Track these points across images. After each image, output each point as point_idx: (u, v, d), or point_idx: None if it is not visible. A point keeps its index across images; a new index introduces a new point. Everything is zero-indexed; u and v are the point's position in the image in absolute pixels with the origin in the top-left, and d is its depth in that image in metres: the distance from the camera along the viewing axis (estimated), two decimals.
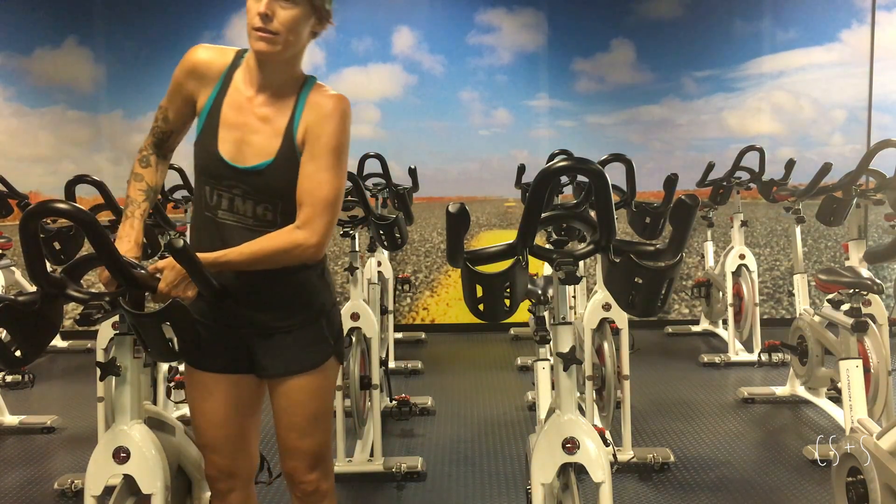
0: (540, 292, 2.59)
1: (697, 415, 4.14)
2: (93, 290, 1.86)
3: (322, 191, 1.82)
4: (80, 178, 3.77)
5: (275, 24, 1.78)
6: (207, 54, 1.92)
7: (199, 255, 1.77)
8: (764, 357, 4.29)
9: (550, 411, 2.11)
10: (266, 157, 1.84)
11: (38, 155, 6.17)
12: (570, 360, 1.98)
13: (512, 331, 5.90)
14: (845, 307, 3.19)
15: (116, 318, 2.00)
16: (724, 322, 5.31)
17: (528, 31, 6.12)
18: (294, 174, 1.84)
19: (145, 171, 2.01)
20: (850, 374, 3.03)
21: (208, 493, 2.41)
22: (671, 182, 3.38)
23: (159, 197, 4.61)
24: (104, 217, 3.72)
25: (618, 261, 1.84)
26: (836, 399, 3.90)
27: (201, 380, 1.98)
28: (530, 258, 1.90)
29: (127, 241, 1.91)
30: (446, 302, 6.30)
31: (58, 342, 5.68)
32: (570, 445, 1.96)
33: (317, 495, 2.03)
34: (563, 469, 2.00)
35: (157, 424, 2.07)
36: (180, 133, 2.02)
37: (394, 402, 3.85)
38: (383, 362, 3.62)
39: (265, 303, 1.91)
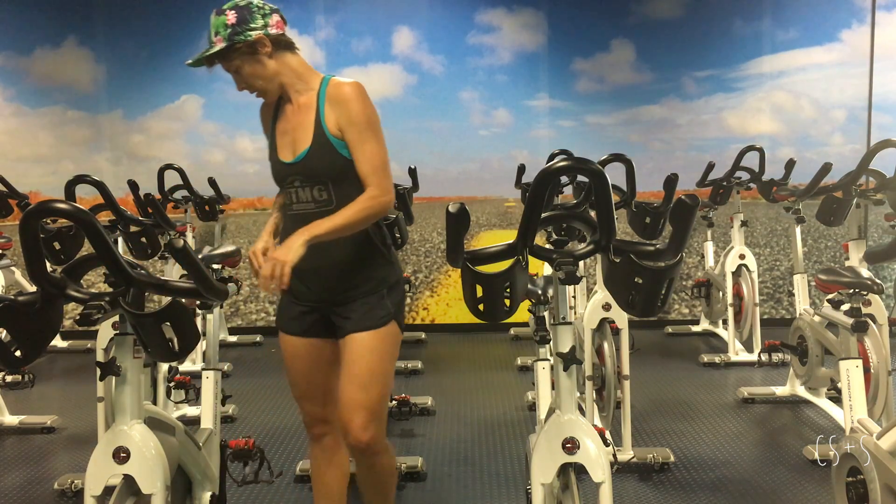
0: (540, 292, 2.59)
1: (697, 415, 4.14)
2: (93, 291, 1.86)
3: (374, 159, 2.18)
4: (80, 178, 3.78)
5: (249, 86, 2.23)
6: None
7: (308, 228, 2.10)
8: (764, 357, 4.29)
9: (550, 411, 2.11)
10: (304, 147, 2.20)
11: (38, 155, 6.17)
12: (570, 360, 1.98)
13: (512, 331, 5.90)
14: (845, 307, 3.19)
15: (116, 318, 2.00)
16: (724, 322, 5.31)
17: (528, 31, 6.12)
18: (330, 155, 2.18)
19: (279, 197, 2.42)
20: (850, 374, 3.03)
21: (208, 493, 2.42)
22: (671, 182, 3.38)
23: (158, 196, 4.67)
24: (104, 217, 3.73)
25: (618, 261, 1.84)
26: (836, 399, 3.90)
27: (291, 342, 2.34)
28: (530, 258, 1.90)
29: (266, 232, 2.29)
30: (446, 302, 6.30)
31: (58, 342, 5.69)
32: (570, 445, 1.96)
33: (369, 452, 2.25)
34: (563, 469, 2.00)
35: (157, 424, 2.07)
36: None
37: (394, 402, 3.85)
38: None
39: (340, 276, 2.25)
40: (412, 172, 4.96)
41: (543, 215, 1.92)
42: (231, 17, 2.14)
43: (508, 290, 1.85)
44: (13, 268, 5.08)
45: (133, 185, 4.27)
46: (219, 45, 2.14)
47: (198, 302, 2.61)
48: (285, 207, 2.30)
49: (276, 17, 2.22)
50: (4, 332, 1.82)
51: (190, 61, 2.20)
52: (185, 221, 5.07)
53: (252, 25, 2.15)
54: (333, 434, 2.40)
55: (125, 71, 6.09)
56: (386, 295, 2.27)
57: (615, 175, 2.70)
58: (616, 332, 3.45)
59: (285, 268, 2.04)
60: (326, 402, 2.37)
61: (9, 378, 4.38)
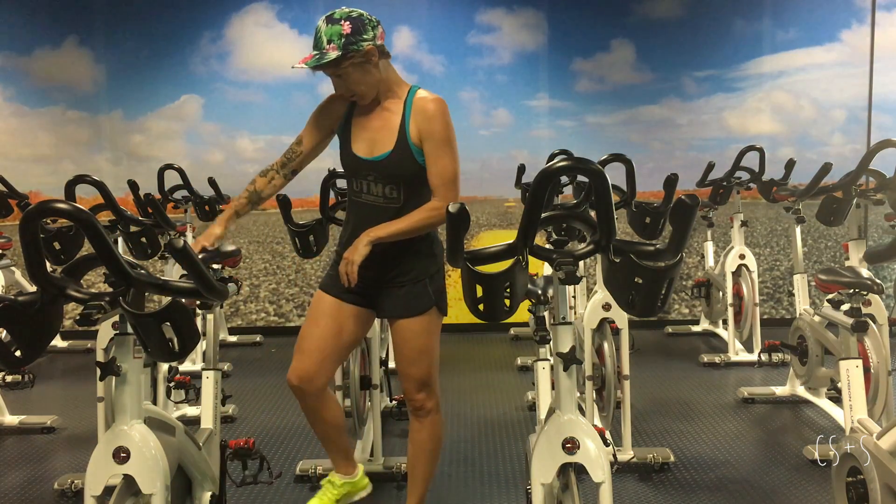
0: (540, 292, 2.59)
1: (697, 415, 4.14)
2: (93, 291, 1.86)
3: (446, 172, 2.42)
4: (80, 178, 3.78)
5: (351, 90, 2.43)
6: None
7: (373, 230, 2.41)
8: (764, 357, 4.29)
9: (550, 411, 2.11)
10: (386, 149, 2.45)
11: (38, 155, 6.17)
12: (570, 360, 1.99)
13: (512, 331, 5.90)
14: (845, 307, 3.19)
15: (116, 318, 2.00)
16: (724, 322, 5.31)
17: (528, 31, 6.12)
18: (408, 161, 2.43)
19: (259, 179, 2.65)
20: (850, 374, 3.03)
21: (208, 493, 2.42)
22: (671, 182, 3.38)
23: (158, 196, 4.68)
24: (104, 217, 3.73)
25: (618, 261, 1.84)
26: (836, 399, 3.90)
27: (326, 300, 2.62)
28: (530, 258, 1.90)
29: (217, 223, 2.53)
30: None
31: (58, 342, 5.68)
32: (570, 445, 1.96)
33: (423, 410, 2.67)
34: (563, 469, 2.00)
35: (157, 424, 2.07)
36: (309, 157, 2.63)
37: (394, 402, 3.84)
38: (383, 362, 3.62)
39: (390, 266, 2.52)
40: None
41: (543, 215, 1.92)
42: (346, 27, 2.33)
43: (508, 290, 1.85)
44: (13, 268, 5.08)
45: (133, 185, 4.27)
46: (333, 53, 2.32)
47: (198, 302, 2.61)
48: (354, 194, 2.56)
49: (380, 29, 2.43)
50: (4, 332, 1.82)
51: (301, 65, 2.34)
52: (185, 221, 5.07)
53: (365, 37, 2.36)
54: (313, 393, 2.65)
55: (125, 71, 6.08)
56: (428, 283, 2.56)
57: (615, 175, 2.70)
58: (616, 332, 3.45)
59: (353, 266, 2.38)
60: (322, 361, 2.63)
61: (9, 378, 4.38)
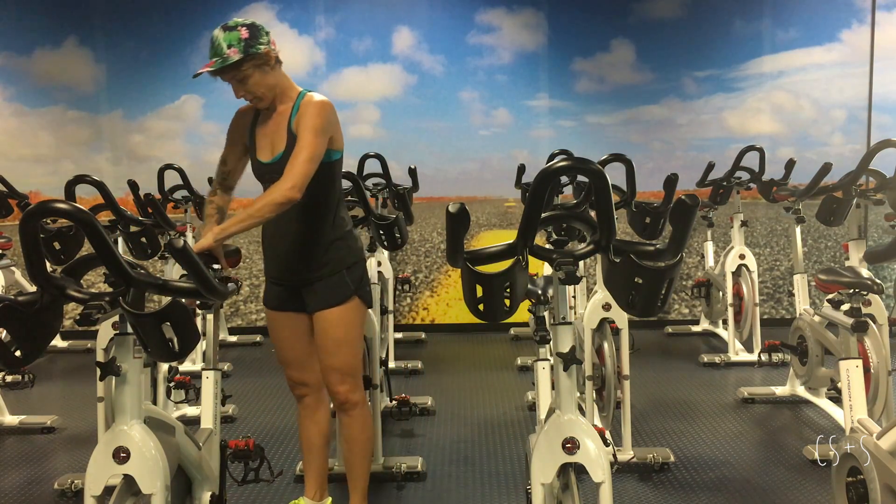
0: (540, 292, 2.59)
1: (697, 415, 4.14)
2: (93, 290, 1.86)
3: (300, 154, 2.42)
4: (80, 178, 3.78)
5: (250, 94, 2.53)
6: (245, 105, 2.66)
7: (220, 226, 2.46)
8: (764, 357, 4.29)
9: (550, 411, 2.11)
10: (280, 150, 2.54)
11: (38, 155, 6.17)
12: (570, 360, 1.99)
13: (512, 331, 5.90)
14: (845, 307, 3.18)
15: (116, 318, 2.00)
16: (724, 322, 5.31)
17: (528, 31, 6.12)
18: None
19: (214, 198, 2.76)
20: (850, 374, 3.03)
21: (208, 493, 2.42)
22: (671, 182, 3.38)
23: (158, 196, 4.68)
24: (104, 217, 3.73)
25: (618, 261, 1.84)
26: (836, 399, 3.90)
27: (275, 317, 2.74)
28: (530, 258, 1.90)
29: (209, 229, 2.57)
30: (446, 302, 6.30)
31: (58, 342, 5.68)
32: (570, 445, 1.96)
33: (348, 404, 2.71)
34: (563, 469, 2.00)
35: (157, 424, 2.07)
36: (237, 171, 2.74)
37: (394, 402, 3.85)
38: (383, 362, 3.62)
39: (299, 259, 2.60)
40: (412, 172, 4.95)
41: (543, 215, 1.92)
42: (244, 32, 2.45)
43: (508, 290, 1.85)
44: (13, 268, 5.08)
45: (133, 185, 4.27)
46: (235, 56, 2.42)
47: (198, 302, 2.61)
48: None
49: (271, 36, 2.55)
50: (4, 332, 1.82)
51: (204, 70, 2.44)
52: (185, 221, 5.07)
53: (261, 41, 2.47)
54: (312, 395, 2.82)
55: (125, 71, 6.09)
56: (346, 274, 2.62)
57: (615, 175, 2.70)
58: (616, 332, 3.45)
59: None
60: (304, 367, 2.77)
61: (9, 378, 4.38)
